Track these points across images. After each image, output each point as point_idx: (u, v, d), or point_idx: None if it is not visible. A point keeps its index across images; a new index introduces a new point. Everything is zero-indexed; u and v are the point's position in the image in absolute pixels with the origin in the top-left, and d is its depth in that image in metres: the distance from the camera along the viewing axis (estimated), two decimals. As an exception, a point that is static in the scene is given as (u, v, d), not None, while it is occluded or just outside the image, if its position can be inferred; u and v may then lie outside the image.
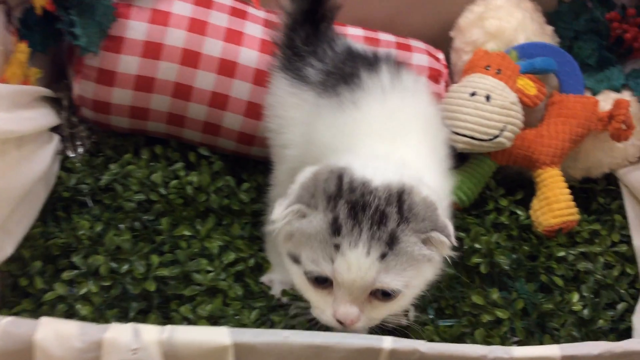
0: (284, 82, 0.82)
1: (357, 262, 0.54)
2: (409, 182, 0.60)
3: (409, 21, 1.12)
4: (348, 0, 1.09)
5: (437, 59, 1.06)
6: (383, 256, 0.55)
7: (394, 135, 0.68)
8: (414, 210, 0.57)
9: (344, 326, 0.59)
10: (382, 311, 0.59)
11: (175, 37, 0.93)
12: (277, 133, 0.84)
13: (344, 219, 0.55)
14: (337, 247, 0.55)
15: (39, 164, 0.84)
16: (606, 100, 1.02)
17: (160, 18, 0.93)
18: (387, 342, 0.53)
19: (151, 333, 0.51)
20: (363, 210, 0.55)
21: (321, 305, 0.60)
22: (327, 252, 0.55)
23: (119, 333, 0.51)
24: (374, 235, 0.55)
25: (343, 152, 0.67)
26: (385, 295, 0.57)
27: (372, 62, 0.76)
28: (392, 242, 0.55)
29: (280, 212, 0.58)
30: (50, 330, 0.51)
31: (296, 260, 0.59)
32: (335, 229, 0.55)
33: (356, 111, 0.71)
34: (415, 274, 0.58)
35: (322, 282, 0.58)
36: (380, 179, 0.59)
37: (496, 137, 0.96)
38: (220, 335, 0.52)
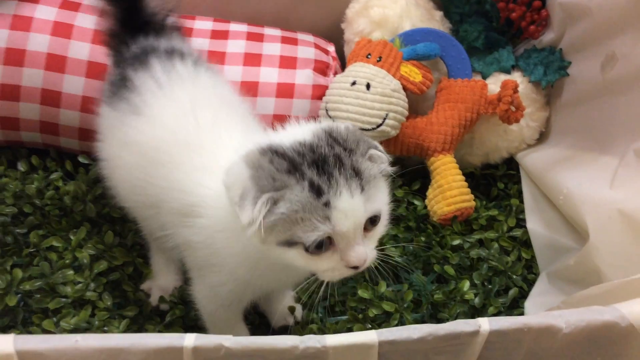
0: None
1: (349, 206, 0.58)
2: (326, 126, 0.63)
3: (300, 15, 1.08)
4: (237, -4, 1.08)
5: (326, 52, 1.02)
6: (362, 189, 0.59)
7: None
8: (348, 141, 0.61)
9: (357, 269, 0.61)
10: (375, 238, 0.63)
11: (39, 42, 0.90)
12: None
13: (317, 178, 0.58)
14: (326, 204, 0.57)
15: None
16: (497, 83, 0.99)
17: (22, 24, 0.90)
18: (189, 340, 0.49)
19: None
20: (324, 162, 0.59)
21: (331, 265, 0.62)
22: (320, 214, 0.58)
23: None
24: (346, 177, 0.58)
25: None
26: (372, 222, 0.61)
27: None
28: (358, 174, 0.59)
29: (253, 212, 0.57)
30: None
31: (291, 243, 0.60)
32: (317, 190, 0.57)
33: None
34: (381, 190, 0.63)
35: (321, 246, 0.60)
36: (303, 135, 0.62)
37: (379, 125, 0.92)
38: (4, 344, 0.48)
